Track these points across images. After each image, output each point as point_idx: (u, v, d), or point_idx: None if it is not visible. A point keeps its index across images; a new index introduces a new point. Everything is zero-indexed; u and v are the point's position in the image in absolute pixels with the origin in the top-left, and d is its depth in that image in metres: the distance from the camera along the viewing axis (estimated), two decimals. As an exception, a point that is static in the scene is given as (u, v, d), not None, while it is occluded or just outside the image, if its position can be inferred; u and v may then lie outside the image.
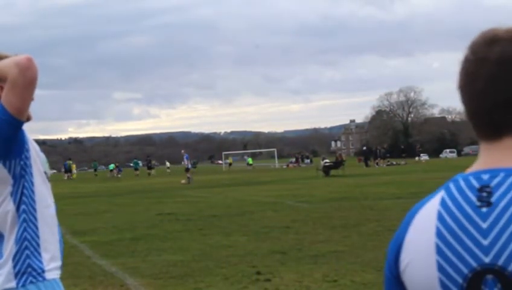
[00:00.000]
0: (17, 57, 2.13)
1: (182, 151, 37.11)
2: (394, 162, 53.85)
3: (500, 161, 1.05)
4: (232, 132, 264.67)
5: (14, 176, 2.19)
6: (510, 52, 1.03)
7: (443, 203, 1.05)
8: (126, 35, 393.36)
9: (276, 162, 71.95)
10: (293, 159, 73.43)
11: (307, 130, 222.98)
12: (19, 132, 2.17)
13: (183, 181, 32.97)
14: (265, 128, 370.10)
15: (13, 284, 2.18)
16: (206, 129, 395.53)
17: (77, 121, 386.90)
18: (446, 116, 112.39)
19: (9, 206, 2.19)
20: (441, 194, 1.07)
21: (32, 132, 2.25)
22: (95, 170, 61.98)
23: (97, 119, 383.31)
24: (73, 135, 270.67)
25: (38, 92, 2.26)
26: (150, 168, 56.24)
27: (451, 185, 1.07)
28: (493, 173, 1.03)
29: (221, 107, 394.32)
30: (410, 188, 19.66)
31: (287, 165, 66.94)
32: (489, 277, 0.97)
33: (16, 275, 2.18)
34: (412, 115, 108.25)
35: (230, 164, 68.91)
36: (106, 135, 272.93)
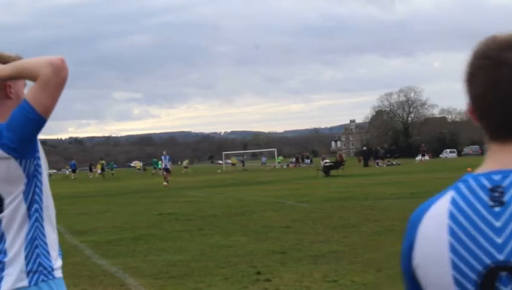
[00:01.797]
0: (51, 57, 2.13)
1: (164, 152, 36.40)
2: (394, 162, 54.21)
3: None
4: (232, 132, 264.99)
5: (28, 175, 2.20)
6: None
7: (454, 202, 1.08)
8: (126, 35, 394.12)
9: (276, 162, 71.96)
10: (293, 159, 73.41)
11: (307, 130, 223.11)
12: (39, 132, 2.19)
13: (165, 183, 31.76)
14: (265, 128, 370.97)
15: (25, 283, 2.19)
16: (206, 129, 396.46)
17: (77, 121, 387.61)
18: (446, 116, 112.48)
19: (21, 205, 2.20)
20: (450, 194, 1.10)
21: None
22: (112, 169, 62.42)
23: (97, 119, 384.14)
24: (74, 135, 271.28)
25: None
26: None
27: (461, 185, 1.10)
28: (505, 173, 1.07)
29: (221, 107, 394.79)
30: (410, 188, 19.66)
31: (288, 165, 66.94)
32: (504, 273, 1.00)
33: (28, 273, 2.19)
34: (412, 115, 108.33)
35: (233, 164, 68.31)
36: (106, 134, 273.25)
